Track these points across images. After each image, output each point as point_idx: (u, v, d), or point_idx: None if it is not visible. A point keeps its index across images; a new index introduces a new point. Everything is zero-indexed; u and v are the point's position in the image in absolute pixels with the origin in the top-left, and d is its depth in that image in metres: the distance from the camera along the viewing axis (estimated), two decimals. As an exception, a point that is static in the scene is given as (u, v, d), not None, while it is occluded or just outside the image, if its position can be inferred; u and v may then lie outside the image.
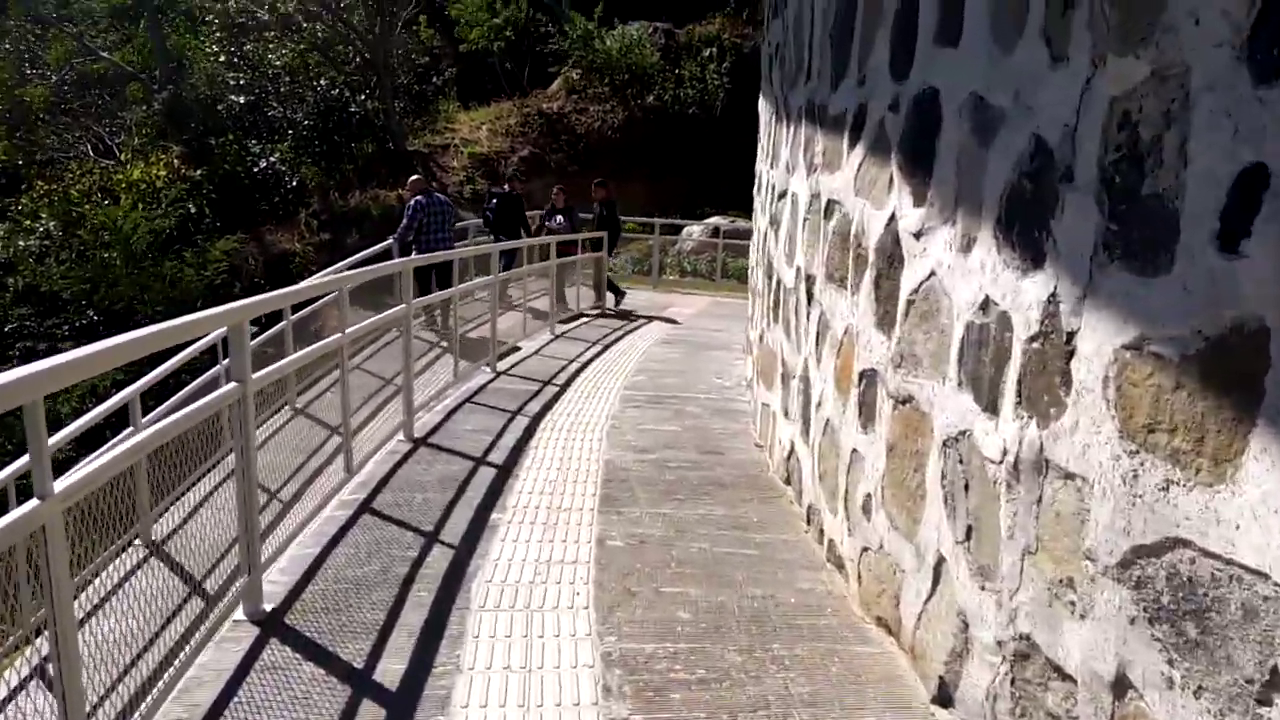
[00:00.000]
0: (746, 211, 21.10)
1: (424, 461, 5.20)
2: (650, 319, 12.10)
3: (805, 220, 4.44)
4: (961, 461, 2.58)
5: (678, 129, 22.43)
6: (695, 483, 4.96)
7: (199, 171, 17.67)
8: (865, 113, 3.46)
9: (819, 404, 4.05)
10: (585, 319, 11.57)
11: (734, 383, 7.92)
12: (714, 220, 17.71)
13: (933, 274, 2.78)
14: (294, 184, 19.13)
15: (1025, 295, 2.24)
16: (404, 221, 10.59)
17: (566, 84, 23.42)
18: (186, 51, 19.71)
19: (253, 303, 3.34)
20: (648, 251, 16.56)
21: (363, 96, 20.16)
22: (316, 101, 19.52)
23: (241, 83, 19.43)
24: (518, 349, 9.28)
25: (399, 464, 5.13)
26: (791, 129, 5.05)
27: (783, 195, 5.31)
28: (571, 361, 8.72)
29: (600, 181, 13.19)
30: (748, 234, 17.15)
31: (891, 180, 3.15)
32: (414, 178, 11.16)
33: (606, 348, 9.67)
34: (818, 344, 4.12)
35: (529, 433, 5.92)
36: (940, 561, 2.74)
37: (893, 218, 3.12)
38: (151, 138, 19.03)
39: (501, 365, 8.28)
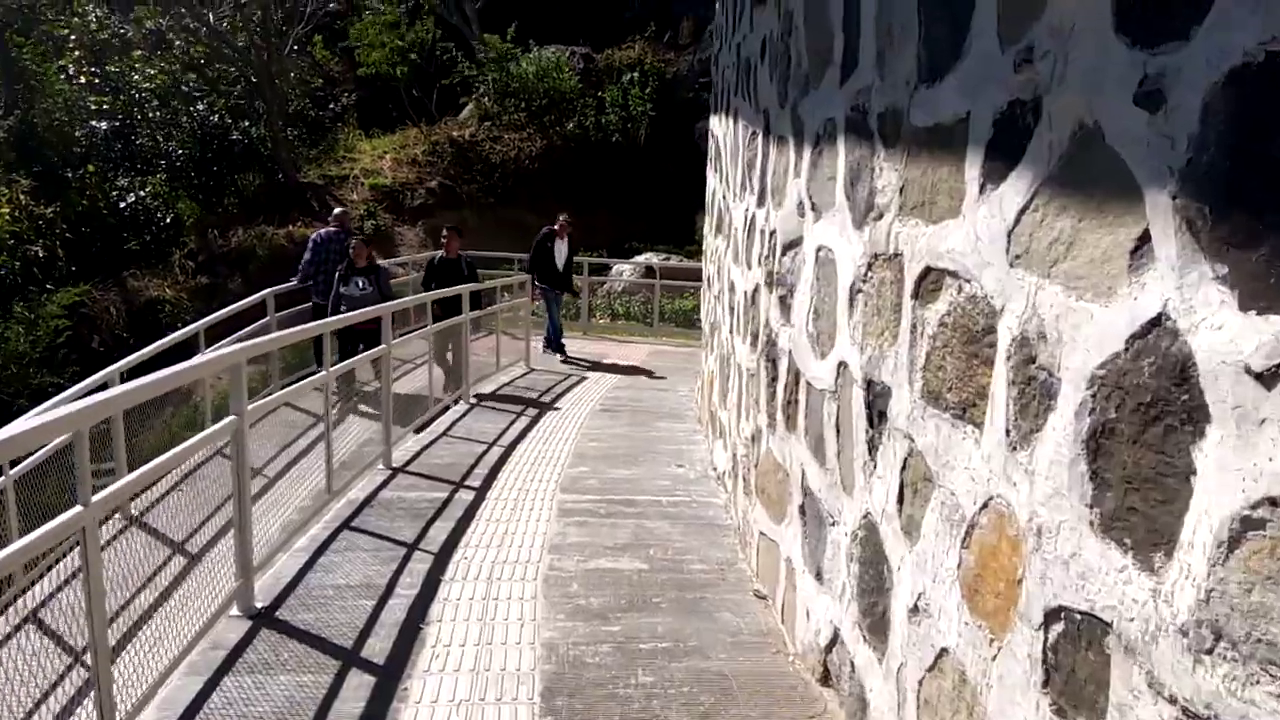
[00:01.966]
0: (679, 246, 19.70)
1: (257, 667, 3.35)
2: (583, 375, 10.40)
3: (858, 293, 2.82)
4: None
5: (601, 158, 20.94)
6: (685, 689, 3.25)
7: (50, 209, 15.22)
8: (1034, 116, 1.86)
9: (917, 608, 2.40)
10: (507, 382, 9.78)
11: (699, 473, 6.26)
12: (647, 257, 16.17)
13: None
14: (167, 221, 16.79)
15: None
16: (306, 256, 9.69)
17: (479, 110, 21.70)
18: (38, 72, 17.18)
19: None
20: (575, 292, 14.85)
21: (247, 123, 17.98)
22: (193, 128, 17.27)
23: (104, 107, 17.02)
24: (426, 426, 7.45)
25: (215, 679, 3.26)
26: (808, 153, 3.45)
27: (792, 247, 3.70)
28: (492, 445, 6.94)
29: (454, 228, 9.63)
30: (687, 274, 15.64)
31: (1145, 245, 1.54)
32: (339, 210, 11.04)
33: (535, 421, 7.91)
34: (903, 500, 2.49)
35: (430, 588, 4.11)
36: None
37: (1157, 324, 1.51)
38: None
39: (400, 454, 6.45)
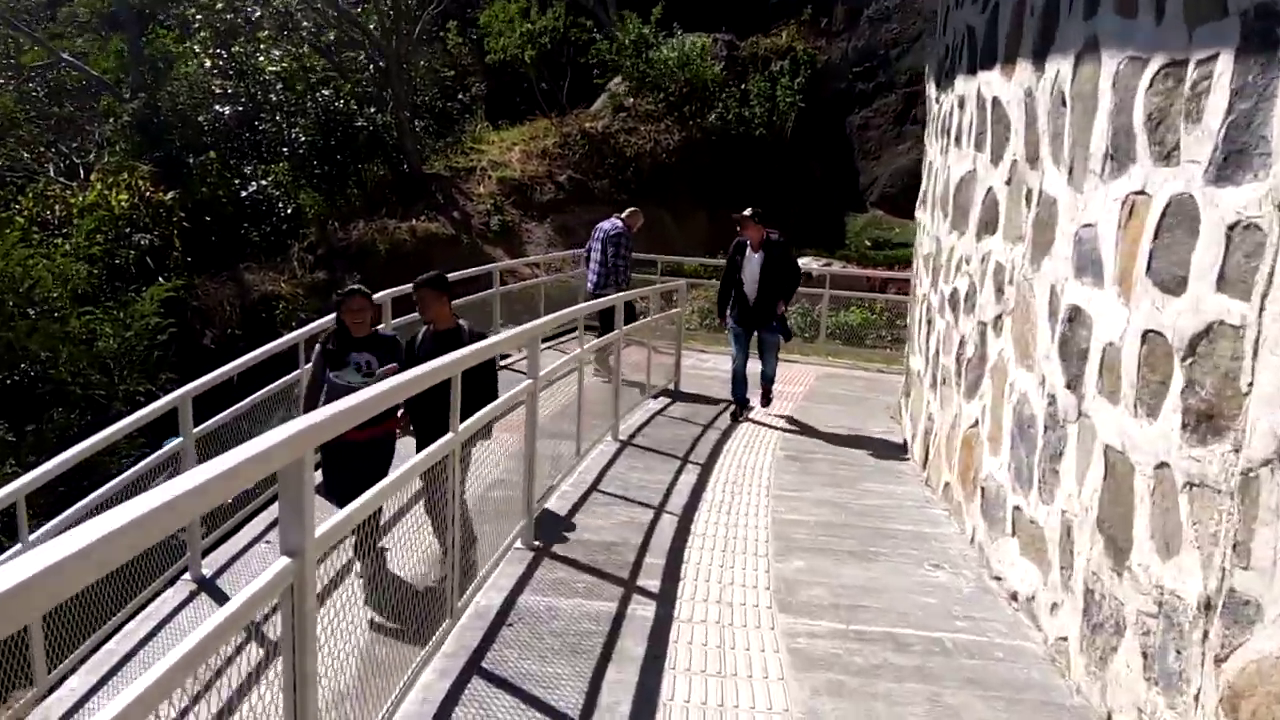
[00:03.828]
0: (830, 250, 17.55)
1: None
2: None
3: None
4: None
5: (743, 153, 19.07)
6: None
7: (169, 195, 14.39)
8: None
9: None
10: (658, 411, 7.99)
11: (974, 584, 4.28)
12: (805, 262, 14.09)
13: None
14: (288, 212, 15.84)
15: None
16: None
17: (613, 100, 20.11)
18: (165, 55, 16.52)
19: None
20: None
21: (373, 110, 16.88)
22: (317, 114, 16.26)
23: (229, 91, 16.22)
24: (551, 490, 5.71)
25: None
26: None
27: None
28: (660, 512, 5.14)
29: (428, 281, 4.90)
30: (854, 282, 13.59)
31: None
32: (632, 209, 9.72)
33: (705, 473, 6.08)
34: None
35: None
36: None
37: None
38: (121, 156, 15.82)
39: (516, 556, 4.72)
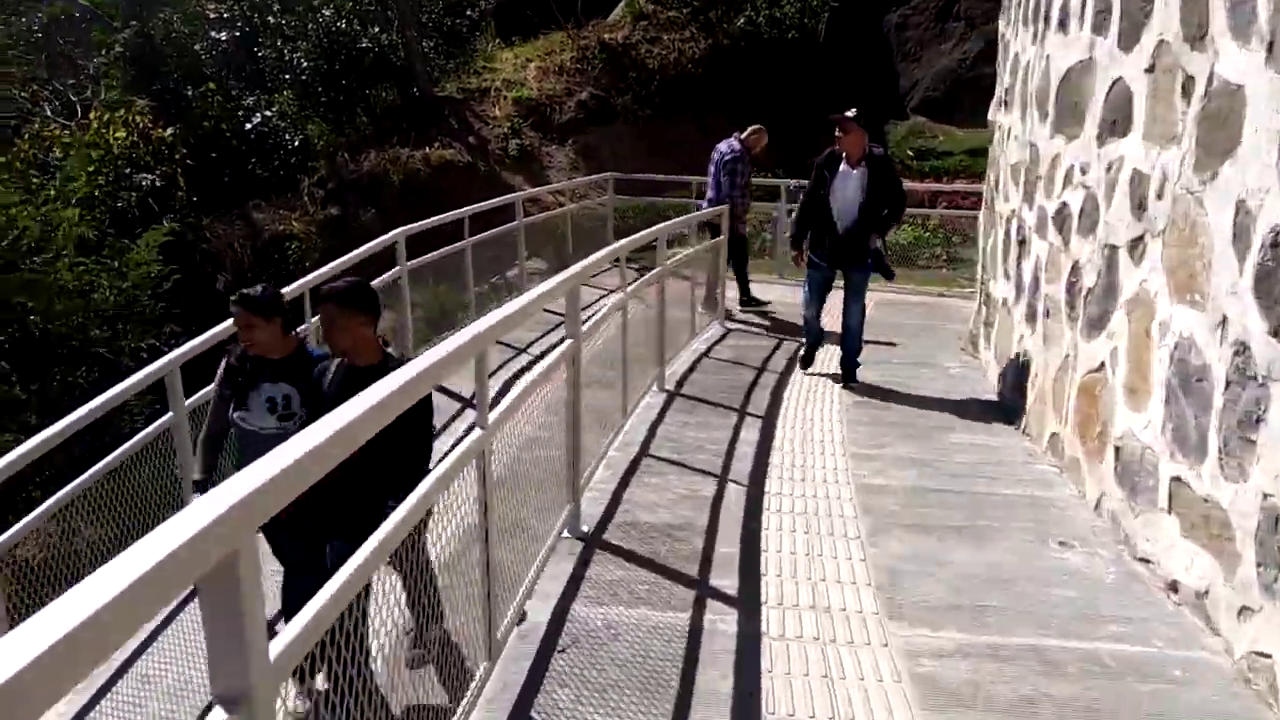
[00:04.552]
0: (872, 163, 16.44)
1: None
2: (800, 339, 7.68)
3: None
4: None
5: (774, 59, 17.76)
6: None
7: (170, 131, 13.55)
8: None
9: None
10: (704, 352, 7.22)
11: (1113, 566, 3.54)
12: (850, 178, 13.04)
13: None
14: (296, 144, 14.96)
15: None
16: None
17: (632, 8, 18.79)
18: (155, -23, 15.48)
19: None
20: (766, 222, 12.06)
21: (377, 30, 15.78)
22: (319, 37, 15.21)
23: (224, 15, 15.17)
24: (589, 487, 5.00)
25: None
26: None
27: None
28: (724, 481, 4.44)
29: (337, 295, 3.19)
30: (908, 198, 12.50)
31: None
32: (755, 127, 8.50)
33: (768, 428, 5.33)
34: None
35: None
36: None
37: None
38: (119, 91, 14.94)
39: (591, 502, 4.03)
